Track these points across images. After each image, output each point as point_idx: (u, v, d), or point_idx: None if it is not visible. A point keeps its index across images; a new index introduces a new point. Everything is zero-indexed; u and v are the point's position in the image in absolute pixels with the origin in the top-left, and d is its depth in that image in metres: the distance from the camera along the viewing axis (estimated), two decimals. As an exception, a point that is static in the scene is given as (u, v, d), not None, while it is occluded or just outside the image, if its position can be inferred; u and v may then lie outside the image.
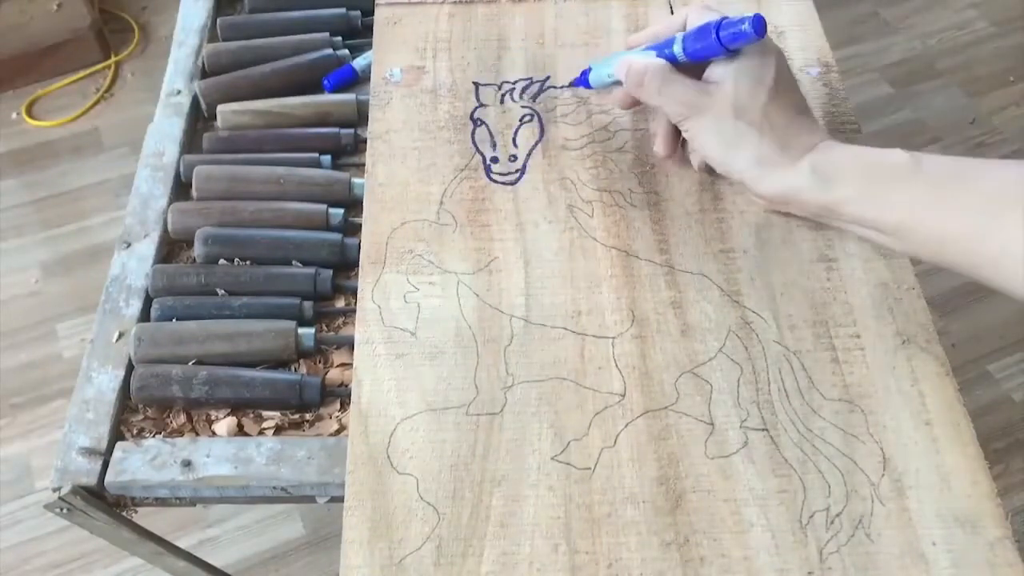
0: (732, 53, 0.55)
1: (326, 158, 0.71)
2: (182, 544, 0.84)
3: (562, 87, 0.68)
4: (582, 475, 0.50)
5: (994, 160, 0.51)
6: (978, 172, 0.51)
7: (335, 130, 0.72)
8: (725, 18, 0.54)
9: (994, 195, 0.49)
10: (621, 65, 0.59)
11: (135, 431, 0.58)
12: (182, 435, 0.58)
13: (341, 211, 0.67)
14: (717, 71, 0.56)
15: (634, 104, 0.61)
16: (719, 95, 0.55)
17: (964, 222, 0.49)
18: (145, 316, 0.63)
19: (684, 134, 0.59)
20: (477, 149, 0.65)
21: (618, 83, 0.60)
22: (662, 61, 0.57)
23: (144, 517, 0.60)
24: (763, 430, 0.51)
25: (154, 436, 0.58)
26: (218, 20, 0.80)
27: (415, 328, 0.56)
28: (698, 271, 0.58)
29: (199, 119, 0.76)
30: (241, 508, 1.22)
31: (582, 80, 0.65)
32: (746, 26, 0.53)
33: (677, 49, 0.57)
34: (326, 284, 0.63)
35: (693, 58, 0.56)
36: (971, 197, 0.50)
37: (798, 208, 0.58)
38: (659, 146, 0.62)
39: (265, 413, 0.59)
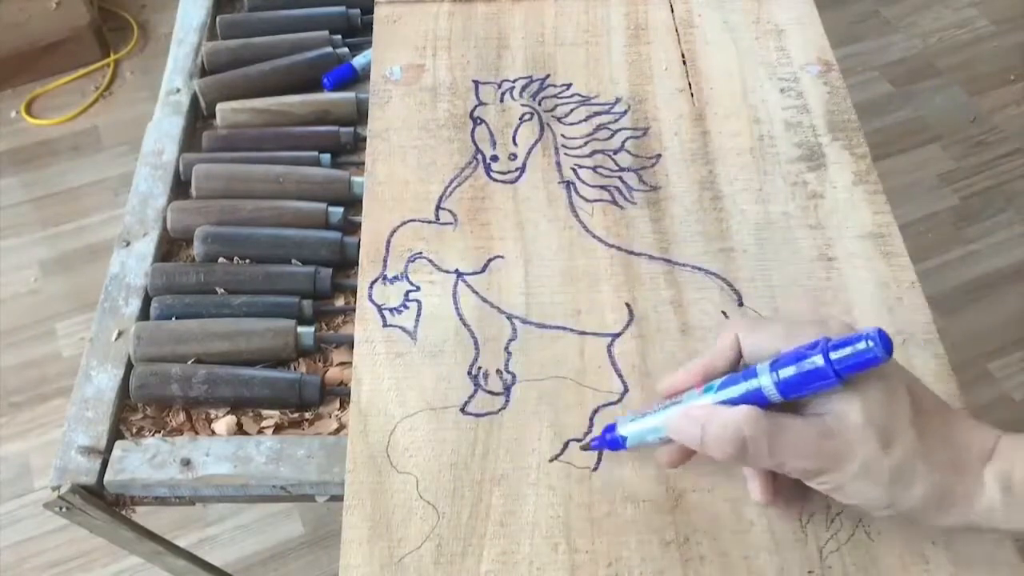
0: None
1: (325, 156, 0.71)
2: (181, 543, 0.83)
3: (582, 446, 0.51)
4: (582, 474, 0.50)
5: None
6: None
7: (334, 128, 0.72)
8: (827, 340, 0.40)
9: None
10: (683, 423, 0.44)
11: (134, 430, 0.58)
12: (181, 434, 0.58)
13: (341, 210, 0.67)
14: (833, 401, 0.41)
15: (688, 458, 0.48)
16: (852, 432, 0.41)
17: None
18: (144, 315, 0.63)
19: (819, 487, 0.43)
20: (477, 148, 0.65)
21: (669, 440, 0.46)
22: (752, 410, 0.41)
23: (143, 516, 0.60)
24: (763, 429, 0.51)
25: (153, 435, 0.58)
26: (217, 18, 0.80)
27: (415, 327, 0.56)
28: (698, 270, 0.58)
29: (198, 117, 0.76)
30: (240, 507, 1.22)
31: (611, 443, 0.48)
32: (868, 344, 0.39)
33: (765, 384, 0.41)
34: (325, 283, 0.63)
35: (792, 397, 0.42)
36: None
37: (992, 532, 0.44)
38: (761, 494, 0.46)
39: (264, 412, 0.59)
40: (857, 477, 0.41)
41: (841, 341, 0.40)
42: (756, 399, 0.42)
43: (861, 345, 0.39)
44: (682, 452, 0.47)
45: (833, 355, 0.39)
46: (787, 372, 0.41)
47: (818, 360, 0.40)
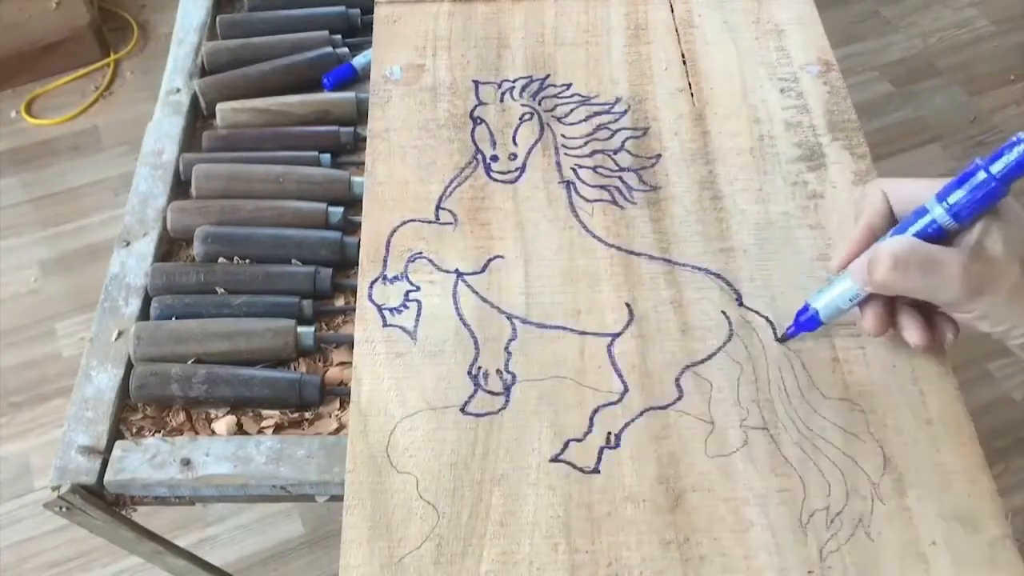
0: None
1: (325, 156, 0.71)
2: (181, 543, 0.83)
3: (779, 340, 0.54)
4: (582, 474, 0.50)
5: None
6: None
7: (334, 128, 0.72)
8: (980, 159, 0.44)
9: None
10: (858, 268, 0.48)
11: (134, 430, 0.58)
12: (181, 434, 0.58)
13: (340, 209, 0.67)
14: (974, 234, 0.45)
15: (890, 321, 0.51)
16: (998, 259, 0.45)
17: None
18: (144, 315, 0.63)
19: (962, 317, 0.48)
20: (477, 148, 0.65)
21: (862, 303, 0.51)
22: (908, 237, 0.46)
23: (143, 516, 0.60)
24: (763, 429, 0.51)
25: (153, 435, 0.58)
26: (217, 18, 0.80)
27: (415, 327, 0.56)
28: (698, 270, 0.58)
29: (198, 117, 0.76)
30: (240, 507, 1.22)
31: (806, 323, 0.53)
32: (1022, 148, 0.43)
33: (938, 214, 0.45)
34: (325, 283, 0.63)
35: (966, 216, 0.45)
36: None
37: None
38: (874, 324, 0.50)
39: (264, 412, 0.59)
40: (1002, 304, 0.45)
41: (995, 155, 0.44)
42: (932, 232, 0.46)
43: (1014, 152, 0.43)
44: (881, 314, 0.50)
45: (992, 167, 0.44)
46: (956, 196, 0.45)
47: (981, 175, 0.44)
